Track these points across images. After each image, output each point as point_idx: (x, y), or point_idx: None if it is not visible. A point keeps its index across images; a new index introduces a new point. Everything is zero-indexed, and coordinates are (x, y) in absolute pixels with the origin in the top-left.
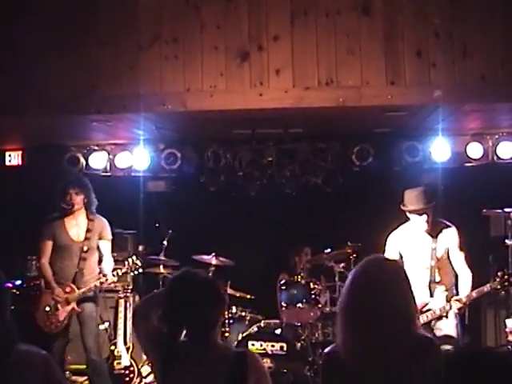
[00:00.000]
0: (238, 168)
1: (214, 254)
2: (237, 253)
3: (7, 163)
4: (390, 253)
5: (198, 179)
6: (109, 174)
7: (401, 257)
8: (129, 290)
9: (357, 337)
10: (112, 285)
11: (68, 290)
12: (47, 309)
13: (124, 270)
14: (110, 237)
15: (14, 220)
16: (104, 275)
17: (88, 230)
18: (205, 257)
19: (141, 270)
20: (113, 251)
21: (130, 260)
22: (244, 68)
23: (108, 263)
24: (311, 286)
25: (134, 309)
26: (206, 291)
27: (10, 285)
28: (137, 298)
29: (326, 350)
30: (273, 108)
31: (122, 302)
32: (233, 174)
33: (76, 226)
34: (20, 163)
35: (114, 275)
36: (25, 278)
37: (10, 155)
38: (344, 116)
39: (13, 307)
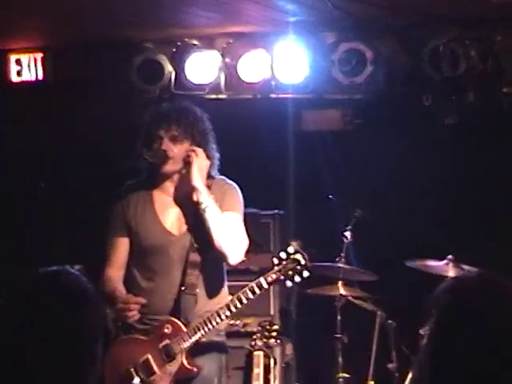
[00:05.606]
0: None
1: (450, 256)
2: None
3: (12, 78)
4: None
5: (414, 102)
6: (223, 94)
7: None
8: (273, 334)
9: None
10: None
11: (167, 329)
12: (127, 371)
13: (273, 277)
14: (241, 209)
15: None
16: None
17: None
18: (432, 263)
19: (307, 274)
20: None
21: (282, 255)
22: None
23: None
24: None
25: None
26: None
27: None
28: (288, 348)
29: None
30: None
31: (259, 357)
32: (498, 88)
33: (174, 206)
34: (39, 77)
35: (252, 291)
36: None
37: (17, 62)
38: None
39: None
